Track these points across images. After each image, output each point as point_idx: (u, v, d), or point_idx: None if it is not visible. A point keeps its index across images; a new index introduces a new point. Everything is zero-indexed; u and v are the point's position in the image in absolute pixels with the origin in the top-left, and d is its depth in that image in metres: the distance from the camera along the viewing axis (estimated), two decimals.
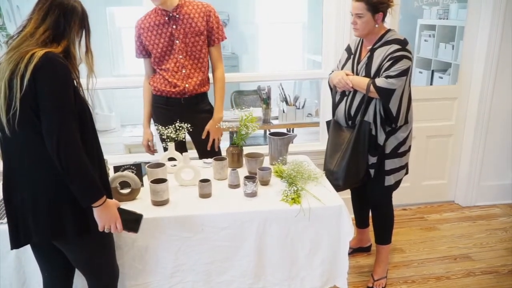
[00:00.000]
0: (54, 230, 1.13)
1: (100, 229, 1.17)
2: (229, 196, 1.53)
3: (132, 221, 1.23)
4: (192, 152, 2.01)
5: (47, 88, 1.03)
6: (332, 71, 1.94)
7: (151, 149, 2.03)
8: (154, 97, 1.99)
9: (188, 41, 1.88)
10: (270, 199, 1.49)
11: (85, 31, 1.15)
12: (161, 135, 1.74)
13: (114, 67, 4.45)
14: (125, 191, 1.50)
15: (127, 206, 1.40)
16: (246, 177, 1.52)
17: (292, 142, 1.97)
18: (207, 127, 1.97)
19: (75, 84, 1.10)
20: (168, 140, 1.73)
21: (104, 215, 1.15)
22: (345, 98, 1.83)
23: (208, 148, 1.97)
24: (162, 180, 1.46)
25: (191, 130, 1.76)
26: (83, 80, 1.14)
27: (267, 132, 3.23)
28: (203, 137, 1.97)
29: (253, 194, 1.50)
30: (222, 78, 1.98)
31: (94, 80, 1.15)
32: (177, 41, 1.87)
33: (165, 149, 1.83)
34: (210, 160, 1.84)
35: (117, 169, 1.56)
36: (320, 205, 1.44)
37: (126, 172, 1.50)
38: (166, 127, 1.73)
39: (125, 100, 4.40)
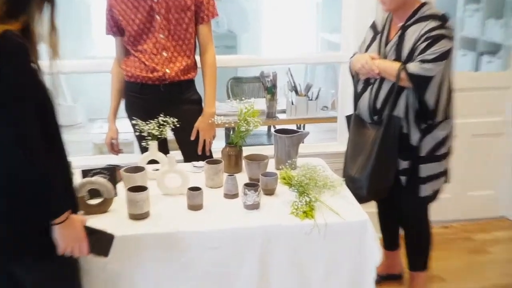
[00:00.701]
0: (6, 251, 1.14)
1: (61, 251, 1.17)
2: (224, 208, 1.53)
3: (101, 243, 1.23)
4: (176, 154, 2.02)
5: (4, 75, 1.04)
6: (354, 54, 1.94)
7: (114, 149, 2.05)
8: (127, 84, 2.00)
9: (172, 18, 1.88)
10: (276, 212, 1.50)
11: (49, 4, 1.15)
12: (140, 131, 1.73)
13: (81, 47, 4.46)
14: (95, 201, 1.50)
15: (97, 220, 1.41)
16: (246, 185, 1.52)
17: (303, 142, 1.97)
18: (197, 124, 1.97)
19: (36, 68, 1.10)
20: (150, 138, 1.73)
21: (67, 234, 1.15)
22: (369, 88, 1.84)
23: (199, 152, 1.98)
24: (142, 188, 1.47)
25: (178, 125, 1.76)
26: (43, 64, 1.14)
27: (272, 129, 3.23)
28: (192, 137, 1.97)
29: (254, 206, 1.51)
30: (213, 63, 1.98)
31: (58, 63, 1.15)
32: (158, 17, 1.87)
33: (144, 149, 1.82)
34: (201, 163, 1.84)
35: (85, 173, 1.56)
36: (338, 221, 1.44)
37: (96, 178, 1.51)
38: (147, 122, 1.74)
39: (94, 88, 4.39)
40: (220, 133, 2.56)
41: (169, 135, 1.93)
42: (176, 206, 1.54)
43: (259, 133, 3.32)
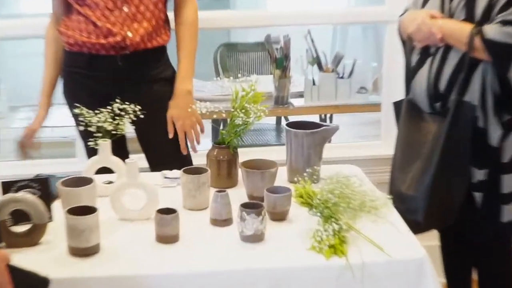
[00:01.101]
0: None
1: None
2: (212, 240, 1.54)
3: None
4: (139, 158, 1.99)
5: None
6: (406, 11, 1.95)
7: (28, 145, 2.06)
8: (68, 56, 2.02)
9: None
10: (289, 246, 1.50)
11: None
12: (86, 125, 1.74)
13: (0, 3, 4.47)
14: (21, 228, 1.50)
15: (25, 256, 1.40)
16: (244, 206, 1.52)
17: (329, 141, 1.97)
18: (170, 113, 1.99)
19: None
20: (100, 134, 1.73)
21: None
22: (429, 61, 1.84)
23: (183, 150, 1.98)
24: (88, 210, 1.47)
25: (142, 116, 1.76)
26: None
27: (284, 122, 3.23)
28: (170, 133, 1.99)
29: (256, 238, 1.51)
30: (194, 21, 2.02)
31: None
32: None
33: (92, 151, 1.83)
34: (176, 173, 1.84)
35: (6, 187, 1.57)
36: (382, 259, 1.44)
37: (22, 194, 1.50)
38: (96, 111, 1.74)
39: (18, 61, 4.41)
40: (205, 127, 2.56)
41: (129, 130, 1.93)
42: (139, 237, 1.54)
43: (264, 127, 3.32)
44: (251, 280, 1.42)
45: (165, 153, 2.01)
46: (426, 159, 1.80)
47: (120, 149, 1.96)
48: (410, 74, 1.89)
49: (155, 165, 2.03)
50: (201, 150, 2.05)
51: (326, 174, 1.74)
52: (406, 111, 1.90)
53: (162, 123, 2.00)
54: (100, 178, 1.78)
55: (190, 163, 2.01)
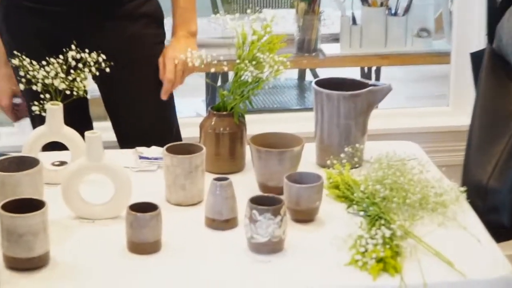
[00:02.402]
0: None
1: None
2: (209, 249, 1.55)
3: None
4: (105, 128, 2.04)
5: None
6: None
7: (15, 110, 2.16)
8: None
9: None
10: (319, 259, 1.51)
11: None
12: (27, 82, 1.76)
13: None
14: None
15: None
16: (255, 201, 1.52)
17: (377, 106, 1.97)
18: (165, 52, 2.01)
19: None
20: (49, 96, 1.74)
21: None
22: None
23: (163, 96, 2.00)
24: (32, 205, 1.46)
25: (108, 69, 1.78)
26: None
27: (311, 79, 3.21)
28: (163, 76, 1.99)
29: (273, 247, 1.51)
30: None
31: None
32: None
33: (38, 119, 1.87)
34: (156, 151, 1.87)
35: None
36: (453, 279, 1.44)
37: None
38: (40, 62, 1.76)
39: None
40: (194, 81, 2.55)
41: (93, 90, 1.96)
42: (103, 244, 1.56)
43: (281, 84, 3.31)
44: None
45: (143, 122, 2.03)
46: None
47: (79, 116, 1.99)
48: (495, 12, 1.87)
49: (127, 139, 2.06)
50: (192, 117, 2.04)
51: (372, 154, 1.75)
52: (488, 66, 1.89)
53: (140, 79, 2.03)
54: (48, 158, 1.80)
55: (178, 137, 2.02)
